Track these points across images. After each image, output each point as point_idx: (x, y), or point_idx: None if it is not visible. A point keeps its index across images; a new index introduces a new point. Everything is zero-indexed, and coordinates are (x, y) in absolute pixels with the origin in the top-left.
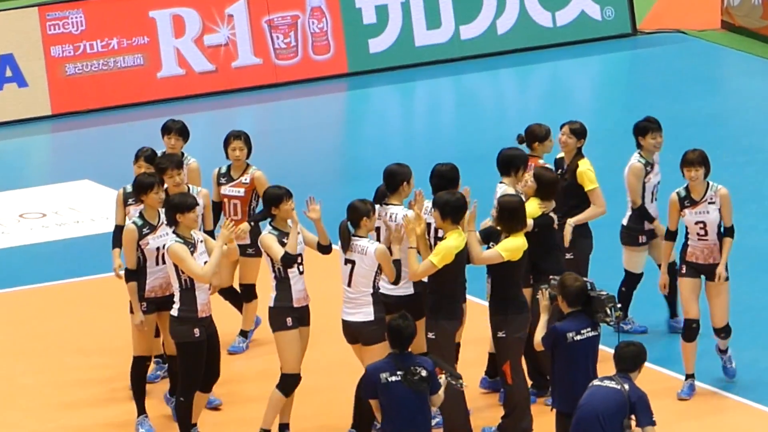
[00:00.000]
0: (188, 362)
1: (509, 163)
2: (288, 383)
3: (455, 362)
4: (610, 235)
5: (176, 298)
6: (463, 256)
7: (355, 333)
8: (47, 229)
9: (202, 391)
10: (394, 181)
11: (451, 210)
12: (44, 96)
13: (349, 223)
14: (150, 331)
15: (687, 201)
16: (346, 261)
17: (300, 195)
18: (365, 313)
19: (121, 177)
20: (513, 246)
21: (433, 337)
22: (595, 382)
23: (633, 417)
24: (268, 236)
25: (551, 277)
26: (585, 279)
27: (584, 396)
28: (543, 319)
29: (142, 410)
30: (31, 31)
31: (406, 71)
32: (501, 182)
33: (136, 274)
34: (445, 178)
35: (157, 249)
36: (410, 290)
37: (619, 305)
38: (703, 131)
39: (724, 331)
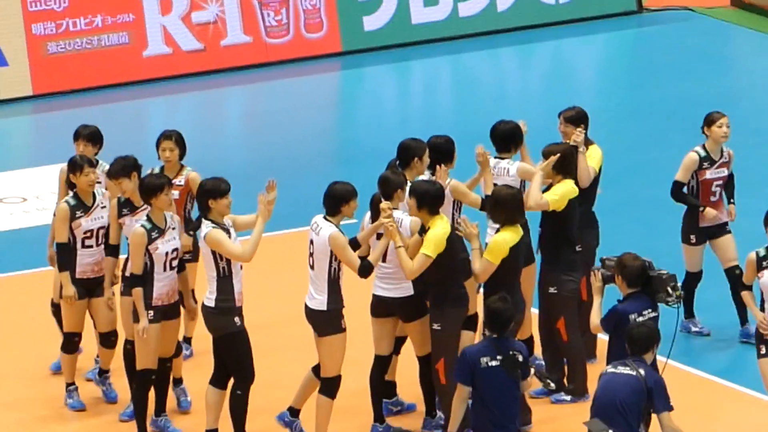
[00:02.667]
0: (237, 352)
1: (508, 139)
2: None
3: (458, 353)
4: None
5: (213, 288)
6: (455, 241)
7: (392, 308)
8: (28, 214)
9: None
10: (406, 155)
11: (430, 200)
12: (25, 76)
13: (381, 195)
14: (157, 342)
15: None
16: (379, 236)
17: (290, 177)
18: (405, 288)
19: (105, 160)
20: (500, 248)
21: (439, 328)
22: (609, 369)
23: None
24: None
25: (603, 258)
26: (644, 258)
27: (600, 386)
28: (597, 301)
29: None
30: (11, 8)
31: (402, 50)
32: (498, 157)
33: (142, 280)
34: (440, 152)
35: (166, 254)
36: (410, 291)
37: (679, 284)
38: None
39: None
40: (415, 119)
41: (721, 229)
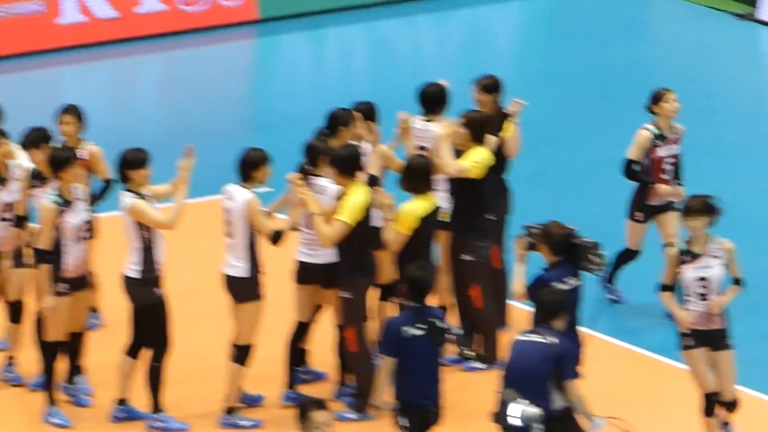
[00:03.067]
0: (157, 323)
1: (436, 101)
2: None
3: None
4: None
5: (136, 259)
6: (370, 211)
7: (314, 274)
8: None
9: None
10: (334, 124)
11: (345, 165)
12: None
13: (308, 163)
14: (68, 314)
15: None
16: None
17: (206, 145)
18: (328, 254)
19: (18, 132)
20: (408, 218)
21: (350, 296)
22: (519, 337)
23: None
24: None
25: (527, 225)
26: (568, 226)
27: (510, 353)
28: (520, 269)
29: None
30: None
31: (318, 18)
32: (424, 119)
33: (51, 256)
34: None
35: (76, 226)
36: (332, 258)
37: (602, 252)
38: (630, 79)
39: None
40: (332, 87)
41: (667, 207)
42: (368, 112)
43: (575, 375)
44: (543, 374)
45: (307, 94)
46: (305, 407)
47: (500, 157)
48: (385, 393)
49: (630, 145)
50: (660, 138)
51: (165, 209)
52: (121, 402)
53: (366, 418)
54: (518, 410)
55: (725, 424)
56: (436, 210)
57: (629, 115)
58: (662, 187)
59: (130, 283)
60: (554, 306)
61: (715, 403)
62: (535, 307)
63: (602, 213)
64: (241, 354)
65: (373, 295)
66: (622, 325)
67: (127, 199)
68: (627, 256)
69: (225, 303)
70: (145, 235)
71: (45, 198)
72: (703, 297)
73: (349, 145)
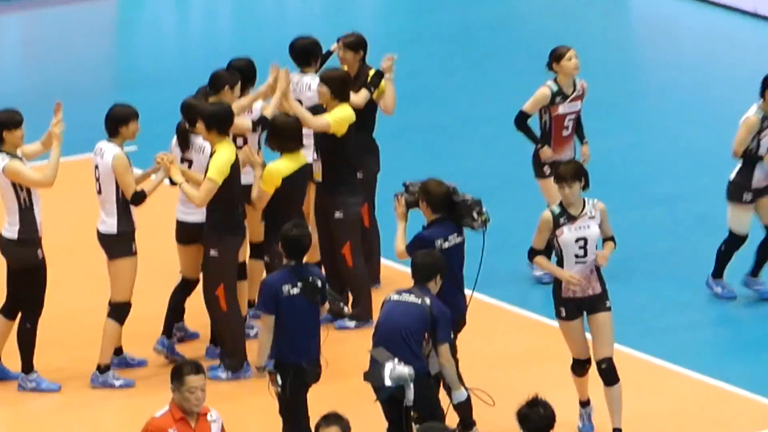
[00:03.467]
0: (35, 285)
1: (308, 53)
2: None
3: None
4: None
5: (14, 220)
6: (237, 168)
7: (194, 233)
8: None
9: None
10: (218, 84)
11: (218, 121)
12: None
13: (186, 122)
14: None
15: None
16: (183, 160)
17: (72, 104)
18: (203, 213)
19: None
20: (272, 175)
21: (216, 254)
22: (393, 297)
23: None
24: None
25: (405, 183)
26: (448, 183)
27: (382, 312)
28: (401, 227)
29: None
30: None
31: None
32: (301, 72)
33: None
34: (243, 75)
35: None
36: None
37: (485, 209)
38: (498, 36)
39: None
40: (197, 45)
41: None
42: (246, 68)
43: (448, 339)
44: (416, 334)
45: (171, 52)
46: (180, 369)
47: (369, 114)
48: (264, 351)
49: (529, 99)
50: (560, 95)
51: (39, 167)
52: None
53: (238, 377)
54: (389, 370)
55: (586, 403)
56: (304, 168)
57: (497, 73)
58: (545, 150)
59: (7, 245)
60: (429, 268)
61: (584, 366)
62: (411, 268)
63: (473, 170)
64: (117, 311)
65: (243, 254)
66: (508, 291)
67: (1, 160)
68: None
69: (100, 262)
70: (23, 195)
71: None
72: (582, 258)
73: (219, 103)
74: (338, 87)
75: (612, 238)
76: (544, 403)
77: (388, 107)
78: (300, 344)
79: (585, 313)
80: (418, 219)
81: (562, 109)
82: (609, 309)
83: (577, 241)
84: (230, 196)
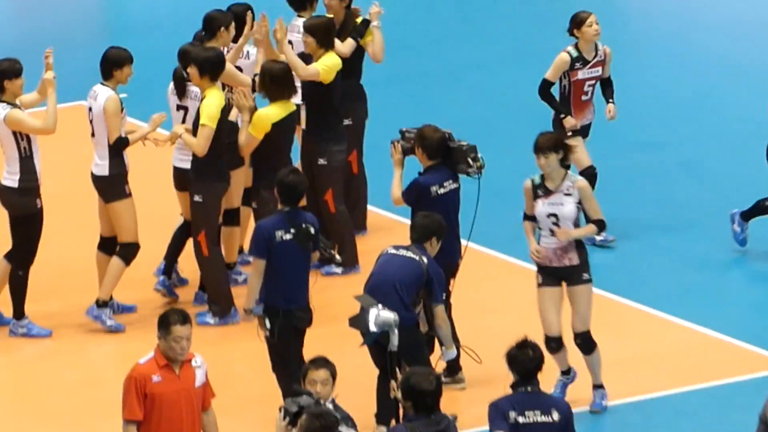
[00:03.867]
0: (30, 234)
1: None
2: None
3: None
4: None
5: (14, 169)
6: (226, 114)
7: (188, 180)
8: None
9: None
10: (212, 26)
11: (211, 67)
12: None
13: (183, 69)
14: None
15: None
16: (179, 107)
17: (65, 52)
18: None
19: None
20: (263, 120)
21: (200, 200)
22: (390, 250)
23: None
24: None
25: (401, 130)
26: (443, 130)
27: (378, 263)
28: (397, 173)
29: None
30: None
31: None
32: (297, 16)
33: None
34: (239, 20)
35: None
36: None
37: (480, 155)
38: None
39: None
40: None
41: (585, 131)
42: (243, 14)
43: (442, 300)
44: (409, 288)
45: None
46: (167, 318)
47: (357, 62)
48: (253, 295)
49: (550, 67)
50: (580, 60)
51: (38, 114)
52: None
53: (226, 321)
54: (374, 315)
55: (567, 372)
56: (293, 115)
57: (483, 20)
58: (568, 120)
59: (7, 193)
60: (426, 229)
61: (551, 344)
62: (410, 228)
63: (459, 117)
64: (123, 251)
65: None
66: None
67: (1, 109)
68: None
69: (94, 209)
70: (23, 144)
71: None
72: (554, 233)
73: (212, 48)
74: (323, 35)
75: (599, 222)
76: (533, 345)
77: (377, 55)
78: (290, 289)
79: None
80: (414, 166)
81: (581, 74)
82: (587, 281)
83: (549, 216)
84: (216, 142)
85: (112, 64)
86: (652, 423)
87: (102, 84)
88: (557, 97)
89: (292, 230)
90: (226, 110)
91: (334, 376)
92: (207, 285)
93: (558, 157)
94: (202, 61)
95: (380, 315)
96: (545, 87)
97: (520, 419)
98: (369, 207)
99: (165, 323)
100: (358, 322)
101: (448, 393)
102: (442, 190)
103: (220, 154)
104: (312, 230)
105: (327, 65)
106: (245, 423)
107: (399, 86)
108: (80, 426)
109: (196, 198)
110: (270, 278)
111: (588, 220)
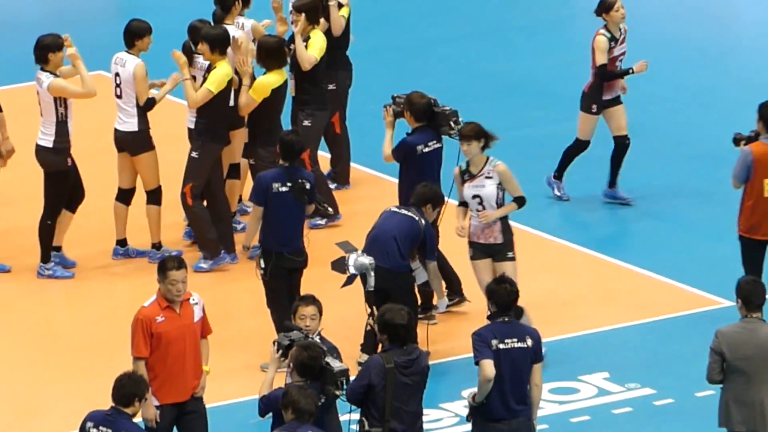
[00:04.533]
0: (59, 189)
1: None
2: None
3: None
4: None
5: (50, 131)
6: (230, 85)
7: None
8: None
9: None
10: (227, 3)
11: (220, 43)
12: None
13: (191, 43)
14: None
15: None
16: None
17: (81, 29)
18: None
19: None
20: (263, 85)
21: (196, 156)
22: (392, 209)
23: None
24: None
25: (393, 96)
26: (429, 96)
27: (380, 218)
28: (389, 134)
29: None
30: None
31: None
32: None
33: None
34: None
35: None
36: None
37: (461, 119)
38: None
39: None
40: None
41: (615, 101)
42: None
43: (435, 258)
44: (406, 241)
45: None
46: (164, 264)
47: (344, 34)
48: (251, 234)
49: (595, 54)
50: (613, 40)
51: (74, 81)
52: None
53: (218, 263)
54: (352, 260)
55: None
56: (286, 82)
57: None
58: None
59: (43, 152)
60: (424, 196)
61: None
62: (413, 195)
63: (432, 85)
64: (153, 196)
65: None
66: None
67: (45, 78)
68: (577, 148)
69: (112, 165)
70: (61, 110)
71: None
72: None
73: (219, 27)
74: (312, 13)
75: (519, 199)
76: (510, 280)
77: (336, 29)
78: (283, 235)
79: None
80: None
81: (616, 51)
82: (511, 259)
83: (473, 197)
84: (219, 108)
85: (134, 35)
86: (600, 353)
87: (126, 52)
88: (590, 78)
89: (289, 184)
90: (230, 82)
91: (320, 311)
92: (194, 233)
93: (479, 144)
94: (212, 38)
95: (358, 260)
96: (605, 71)
97: (501, 346)
98: (352, 164)
99: (163, 269)
100: (339, 265)
101: (422, 329)
102: (426, 149)
103: (221, 119)
104: (307, 186)
105: (320, 48)
106: (244, 356)
107: (376, 58)
108: (99, 357)
109: (193, 154)
110: (266, 224)
111: (513, 198)
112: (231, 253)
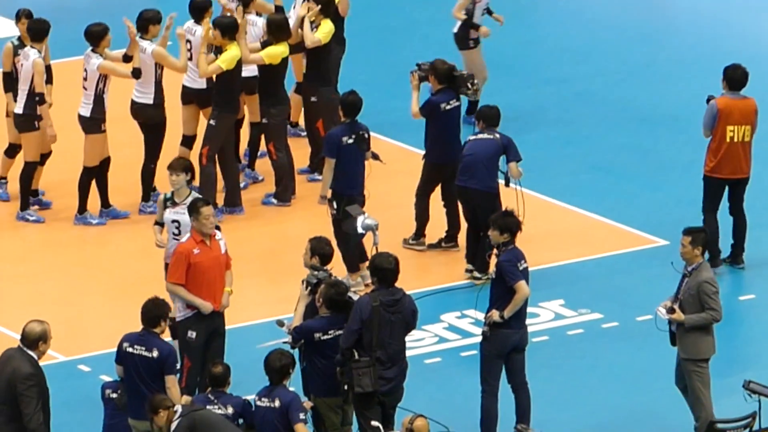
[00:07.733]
0: (161, 136)
1: None
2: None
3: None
4: None
5: (149, 90)
6: (240, 64)
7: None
8: None
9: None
10: None
11: (230, 31)
12: None
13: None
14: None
15: None
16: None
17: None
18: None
19: None
20: (275, 52)
21: (213, 124)
22: (472, 137)
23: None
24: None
25: (419, 63)
26: (449, 62)
27: (466, 147)
28: (415, 95)
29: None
30: None
31: None
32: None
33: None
34: None
35: None
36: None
37: (476, 81)
38: None
39: None
40: None
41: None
42: None
43: (519, 158)
44: (492, 160)
45: None
46: (194, 204)
47: (340, 18)
48: (326, 184)
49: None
50: None
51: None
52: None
53: (233, 212)
54: (360, 221)
55: None
56: (288, 55)
57: None
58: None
59: (143, 108)
60: (495, 117)
61: None
62: (478, 116)
63: (416, 59)
64: (187, 140)
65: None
66: None
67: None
68: None
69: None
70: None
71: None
72: (176, 236)
73: (228, 17)
74: (326, 7)
75: None
76: (513, 211)
77: (344, 11)
78: (351, 180)
79: None
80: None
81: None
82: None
83: (173, 222)
84: (232, 84)
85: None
86: (557, 284)
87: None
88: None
89: (353, 136)
90: (240, 62)
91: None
92: (202, 188)
93: (186, 177)
94: (224, 26)
95: (365, 221)
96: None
97: (521, 267)
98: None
99: (194, 208)
100: (348, 225)
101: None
102: (448, 107)
103: (234, 93)
104: (366, 135)
105: (327, 33)
106: (279, 291)
107: (367, 37)
108: (135, 289)
109: (211, 122)
110: (339, 172)
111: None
112: (238, 206)
